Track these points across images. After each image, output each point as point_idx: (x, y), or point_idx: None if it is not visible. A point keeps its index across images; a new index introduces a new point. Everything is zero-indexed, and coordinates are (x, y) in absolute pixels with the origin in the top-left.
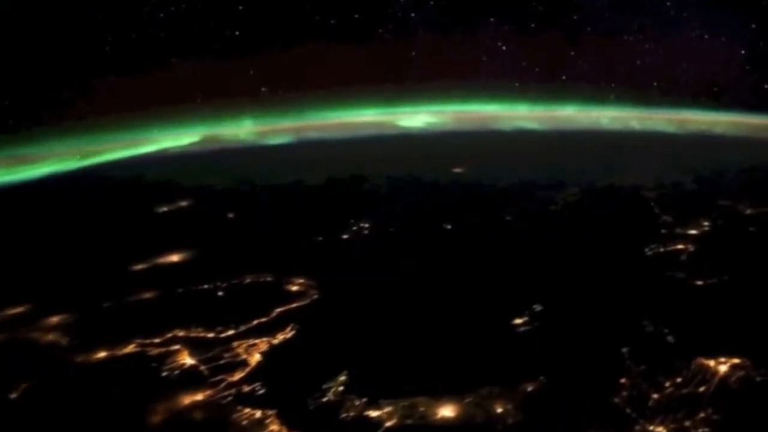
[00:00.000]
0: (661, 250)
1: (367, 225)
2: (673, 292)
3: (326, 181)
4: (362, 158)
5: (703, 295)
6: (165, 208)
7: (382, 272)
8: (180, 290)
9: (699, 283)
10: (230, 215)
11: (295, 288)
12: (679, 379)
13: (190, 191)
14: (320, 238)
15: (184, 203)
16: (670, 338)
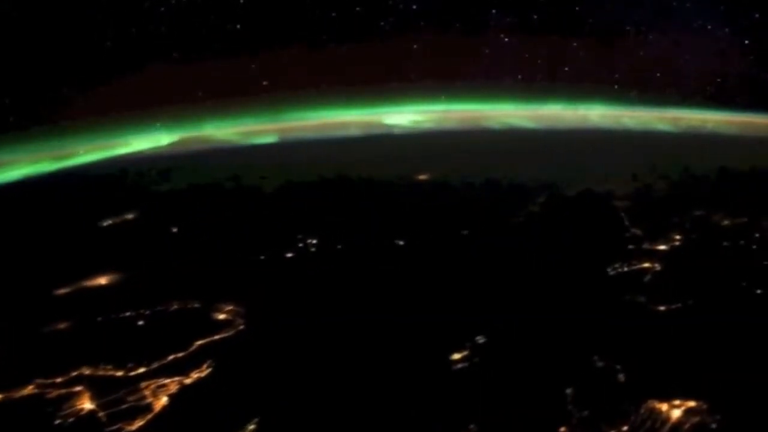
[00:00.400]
0: (625, 269)
1: (315, 241)
2: (631, 321)
3: (284, 187)
4: (334, 160)
5: (663, 323)
6: (110, 221)
7: (319, 301)
8: (99, 319)
9: (661, 308)
10: (174, 229)
11: (221, 317)
12: (625, 428)
13: (143, 200)
14: (262, 257)
15: (130, 216)
16: (620, 376)
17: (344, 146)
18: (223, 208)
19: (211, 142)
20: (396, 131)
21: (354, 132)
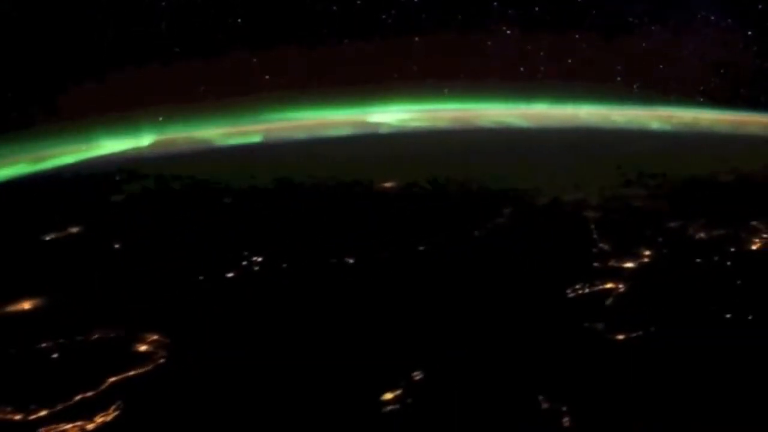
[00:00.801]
0: (586, 291)
1: (260, 259)
2: (585, 354)
3: (246, 193)
4: (302, 164)
5: (621, 356)
6: (53, 235)
7: (252, 331)
8: (12, 351)
9: (619, 337)
10: (116, 245)
11: (143, 348)
12: None
13: (96, 210)
14: (201, 277)
15: (74, 229)
16: (565, 421)
17: (322, 148)
18: (177, 219)
19: (192, 142)
20: (381, 131)
21: (339, 132)
